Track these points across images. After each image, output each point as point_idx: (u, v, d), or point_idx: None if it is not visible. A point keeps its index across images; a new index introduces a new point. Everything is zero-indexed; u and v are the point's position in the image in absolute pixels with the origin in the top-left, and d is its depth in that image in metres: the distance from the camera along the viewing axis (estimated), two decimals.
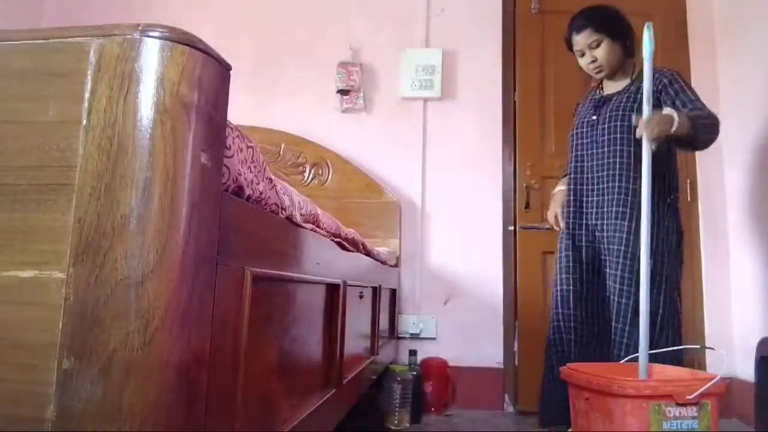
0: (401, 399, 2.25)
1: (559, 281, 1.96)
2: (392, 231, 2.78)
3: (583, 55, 1.95)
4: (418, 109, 2.92)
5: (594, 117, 1.94)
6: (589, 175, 1.93)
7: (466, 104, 2.92)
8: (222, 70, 0.65)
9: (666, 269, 1.80)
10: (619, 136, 1.85)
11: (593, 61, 1.93)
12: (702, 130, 1.68)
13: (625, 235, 1.80)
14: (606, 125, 1.88)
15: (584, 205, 1.94)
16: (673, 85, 1.81)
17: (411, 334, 2.74)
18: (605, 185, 1.87)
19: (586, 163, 1.94)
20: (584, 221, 1.94)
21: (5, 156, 0.60)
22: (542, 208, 2.62)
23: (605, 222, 1.87)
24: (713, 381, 1.38)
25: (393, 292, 2.61)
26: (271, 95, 2.97)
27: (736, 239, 2.67)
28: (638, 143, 1.75)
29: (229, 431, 0.70)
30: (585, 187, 1.94)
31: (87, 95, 0.59)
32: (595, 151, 1.91)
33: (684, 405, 1.38)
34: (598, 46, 1.91)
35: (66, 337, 0.54)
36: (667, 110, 1.66)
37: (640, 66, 1.95)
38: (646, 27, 1.63)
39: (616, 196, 1.84)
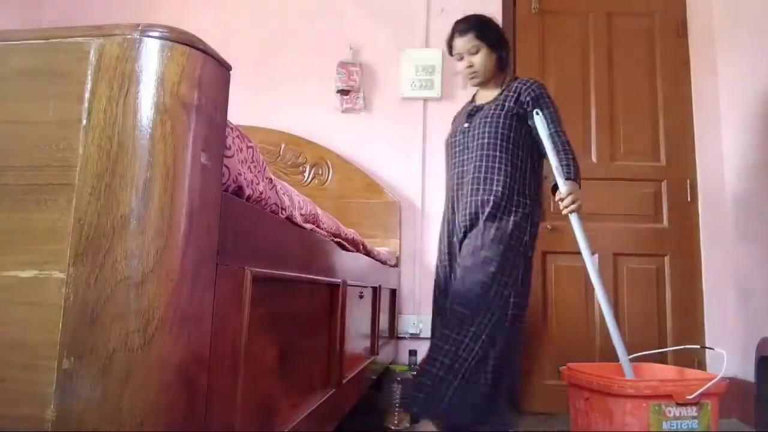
0: (401, 399, 2.25)
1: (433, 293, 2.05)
2: (392, 231, 2.78)
3: (461, 59, 2.03)
4: (418, 109, 2.92)
5: (466, 125, 2.02)
6: (461, 180, 1.99)
7: None
8: (222, 70, 0.65)
9: (512, 268, 1.84)
10: (486, 141, 1.91)
11: (470, 67, 2.01)
12: (578, 179, 1.84)
13: (485, 233, 1.85)
14: (476, 131, 1.95)
15: (456, 209, 2.00)
16: (539, 101, 1.92)
17: (411, 334, 2.74)
18: (474, 187, 1.92)
19: (457, 169, 2.02)
20: (454, 227, 2.00)
21: (5, 156, 0.60)
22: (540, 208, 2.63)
23: (469, 223, 1.91)
24: (713, 381, 1.38)
25: (393, 292, 2.61)
26: (271, 95, 2.97)
27: (736, 239, 2.67)
28: (504, 149, 1.88)
29: (229, 431, 0.70)
30: (458, 192, 1.99)
31: (87, 95, 0.59)
32: (466, 157, 1.98)
33: (684, 405, 1.38)
34: (476, 52, 1.99)
35: (66, 337, 0.54)
36: (567, 183, 1.79)
37: (510, 77, 2.06)
38: (535, 113, 1.84)
39: (482, 196, 1.88)
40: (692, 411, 1.38)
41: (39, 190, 0.58)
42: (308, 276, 1.09)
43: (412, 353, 2.50)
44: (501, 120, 1.91)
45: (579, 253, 1.79)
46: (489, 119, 1.93)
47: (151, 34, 0.59)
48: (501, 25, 2.96)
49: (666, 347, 2.59)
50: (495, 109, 1.94)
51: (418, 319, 2.77)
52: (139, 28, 0.59)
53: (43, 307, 0.56)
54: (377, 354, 2.05)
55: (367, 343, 1.96)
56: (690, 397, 1.36)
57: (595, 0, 3.00)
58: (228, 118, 0.68)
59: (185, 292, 0.57)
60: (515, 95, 1.94)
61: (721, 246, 2.73)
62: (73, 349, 0.54)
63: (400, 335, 2.74)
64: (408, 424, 2.27)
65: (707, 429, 1.39)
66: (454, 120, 2.23)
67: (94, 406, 0.53)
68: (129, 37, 0.59)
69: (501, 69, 2.04)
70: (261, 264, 0.80)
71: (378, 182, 2.84)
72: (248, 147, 0.79)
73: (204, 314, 0.61)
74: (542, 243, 2.68)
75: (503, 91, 2.00)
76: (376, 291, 2.05)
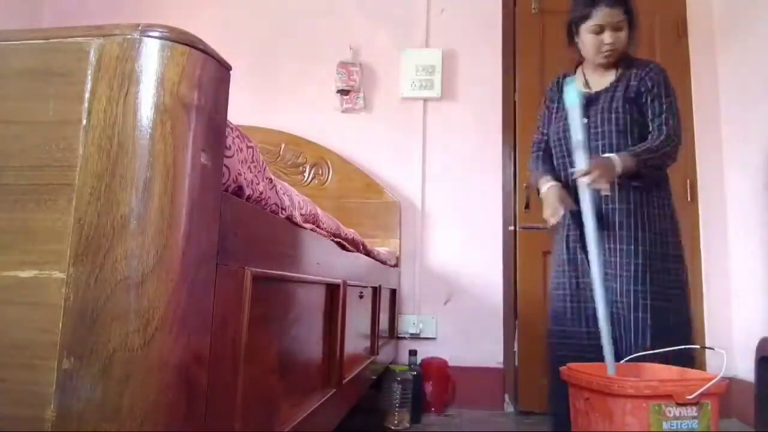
0: (401, 399, 2.25)
1: (566, 287, 1.84)
2: (392, 231, 2.78)
3: (600, 31, 1.79)
4: (418, 109, 2.93)
5: (585, 120, 1.81)
6: None
7: (466, 104, 2.92)
8: (222, 70, 0.65)
9: (682, 269, 1.79)
10: (613, 142, 1.77)
11: (610, 42, 1.80)
12: (647, 167, 1.70)
13: (634, 245, 1.73)
14: (598, 130, 1.80)
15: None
16: (653, 90, 1.77)
17: (411, 334, 2.74)
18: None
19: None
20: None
21: (5, 156, 0.60)
22: (542, 209, 2.61)
23: (608, 223, 1.77)
24: (713, 381, 1.38)
25: (393, 292, 2.61)
26: (271, 95, 2.97)
27: (736, 239, 2.67)
28: (626, 139, 1.75)
29: (229, 431, 0.70)
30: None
31: (87, 95, 0.59)
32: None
33: (684, 405, 1.38)
34: (620, 29, 1.80)
35: (66, 337, 0.54)
36: (608, 155, 1.67)
37: (626, 60, 1.88)
38: (566, 81, 1.69)
39: (617, 196, 1.76)
40: (692, 411, 1.38)
41: (39, 190, 0.58)
42: (308, 276, 1.09)
43: (412, 353, 2.50)
44: (624, 115, 1.76)
45: None
46: (611, 114, 1.77)
47: (151, 34, 0.59)
48: (501, 26, 2.98)
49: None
50: (614, 101, 1.78)
51: (418, 319, 2.77)
52: (139, 28, 0.59)
53: (43, 307, 0.56)
54: (377, 354, 2.05)
55: (367, 343, 1.96)
56: (690, 397, 1.36)
57: None
58: (228, 118, 0.68)
59: (185, 292, 0.57)
60: (636, 83, 1.78)
61: (721, 246, 2.73)
62: (73, 349, 0.54)
63: (400, 335, 2.74)
64: (408, 424, 2.28)
65: (707, 429, 1.38)
66: (550, 96, 2.01)
67: (94, 406, 0.53)
68: (129, 37, 0.59)
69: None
70: (261, 264, 0.80)
71: (378, 182, 2.84)
72: (248, 147, 0.79)
73: (204, 314, 0.61)
74: (543, 243, 2.69)
75: (620, 76, 1.82)
76: (376, 291, 2.05)
